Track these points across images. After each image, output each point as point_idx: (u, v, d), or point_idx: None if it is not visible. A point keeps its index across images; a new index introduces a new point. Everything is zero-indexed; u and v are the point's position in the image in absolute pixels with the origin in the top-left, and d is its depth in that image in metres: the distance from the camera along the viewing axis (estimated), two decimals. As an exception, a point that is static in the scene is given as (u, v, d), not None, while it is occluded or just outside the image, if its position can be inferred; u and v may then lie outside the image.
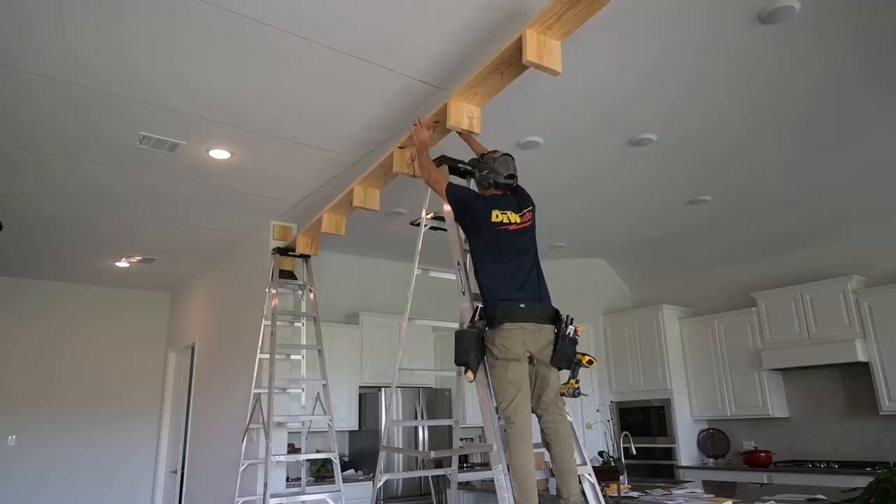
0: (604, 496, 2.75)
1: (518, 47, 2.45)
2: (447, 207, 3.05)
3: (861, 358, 5.03)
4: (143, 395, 7.35)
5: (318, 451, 5.34)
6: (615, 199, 5.05)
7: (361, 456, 5.90)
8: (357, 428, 5.90)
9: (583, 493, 2.61)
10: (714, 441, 6.07)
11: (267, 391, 4.49)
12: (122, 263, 6.40)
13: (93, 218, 5.07)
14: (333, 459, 4.50)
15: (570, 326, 2.62)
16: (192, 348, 6.58)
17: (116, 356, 7.29)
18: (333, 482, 5.07)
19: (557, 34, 2.45)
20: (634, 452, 4.69)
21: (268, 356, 4.60)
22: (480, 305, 2.65)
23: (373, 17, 2.73)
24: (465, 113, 2.87)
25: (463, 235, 3.03)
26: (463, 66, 3.10)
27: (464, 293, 2.81)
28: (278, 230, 5.24)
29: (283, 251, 4.99)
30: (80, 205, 4.78)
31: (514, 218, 2.74)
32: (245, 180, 4.43)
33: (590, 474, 2.63)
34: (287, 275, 5.04)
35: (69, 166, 4.10)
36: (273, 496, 4.21)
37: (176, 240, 5.72)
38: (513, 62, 2.57)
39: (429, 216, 3.28)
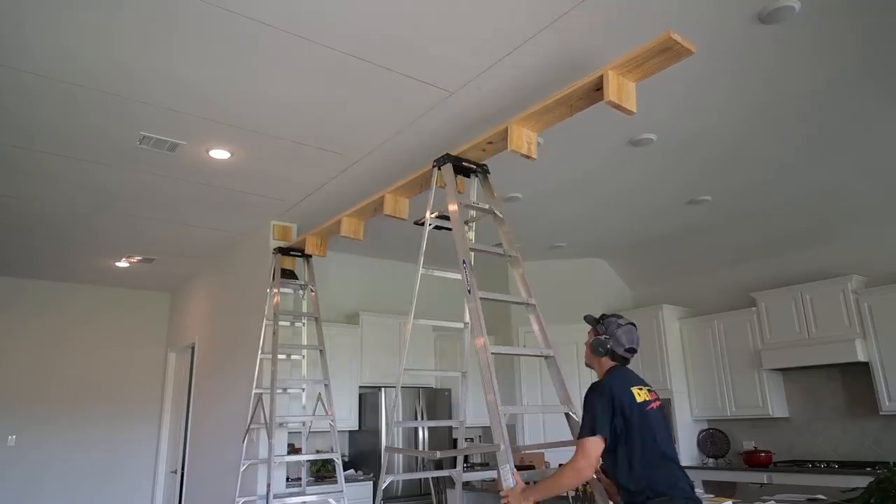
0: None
1: (594, 85, 2.58)
2: (452, 207, 3.04)
3: (861, 358, 5.04)
4: (143, 394, 7.35)
5: (318, 452, 5.34)
6: (615, 200, 5.05)
7: (361, 456, 5.89)
8: (357, 428, 5.90)
9: (590, 493, 2.61)
10: (714, 441, 6.07)
11: (269, 391, 4.48)
12: (122, 263, 6.39)
13: (93, 218, 5.07)
14: (336, 460, 4.50)
15: None
16: (192, 348, 6.57)
17: (116, 356, 7.28)
18: (333, 482, 5.08)
19: (635, 77, 2.57)
20: (635, 452, 4.68)
21: (269, 356, 4.59)
22: None
23: (372, 17, 2.72)
24: (524, 138, 2.94)
25: (469, 234, 3.02)
26: (466, 68, 3.10)
27: (469, 291, 2.80)
28: (278, 230, 5.24)
29: (285, 251, 4.99)
30: (80, 205, 4.77)
31: (645, 395, 2.51)
32: (245, 180, 4.42)
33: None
34: (288, 274, 5.03)
35: (69, 166, 4.09)
36: (276, 497, 4.21)
37: (176, 240, 5.72)
38: (585, 97, 2.69)
39: (433, 215, 3.28)
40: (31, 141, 3.73)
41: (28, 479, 6.49)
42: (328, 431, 4.80)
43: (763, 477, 5.24)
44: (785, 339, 5.55)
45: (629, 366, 2.63)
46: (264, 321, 4.79)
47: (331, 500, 4.51)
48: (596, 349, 2.60)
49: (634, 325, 2.64)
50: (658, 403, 2.52)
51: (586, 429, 2.39)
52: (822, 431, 5.52)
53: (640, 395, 2.46)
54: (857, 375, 5.32)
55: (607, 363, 2.60)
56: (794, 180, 4.70)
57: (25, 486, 6.46)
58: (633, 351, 2.60)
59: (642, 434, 2.38)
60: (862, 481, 3.32)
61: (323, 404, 4.89)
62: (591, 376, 6.56)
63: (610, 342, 2.58)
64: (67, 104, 3.34)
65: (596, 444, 2.35)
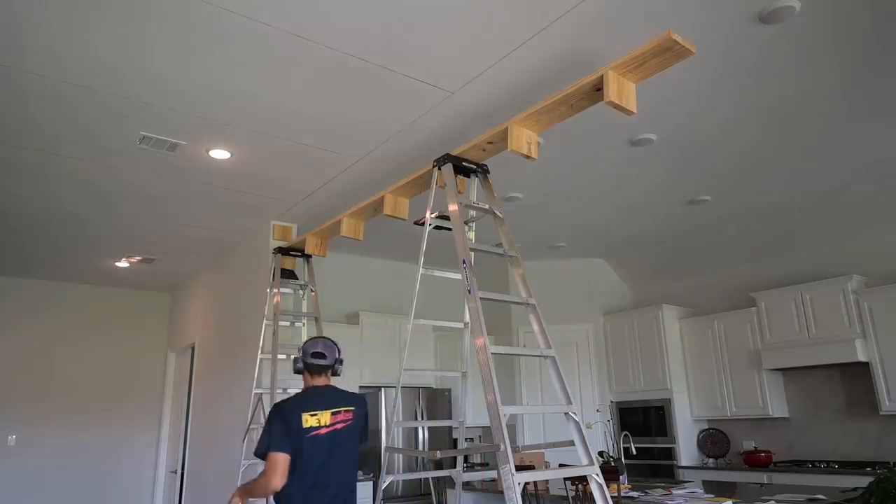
0: (605, 497, 2.74)
1: (595, 85, 2.57)
2: (452, 207, 3.05)
3: (861, 358, 5.04)
4: (143, 395, 7.35)
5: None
6: (615, 200, 5.05)
7: (361, 456, 5.88)
8: (357, 428, 5.89)
9: (590, 493, 2.61)
10: (714, 441, 6.08)
11: (269, 391, 4.48)
12: (122, 263, 6.40)
13: (93, 218, 5.07)
14: None
15: None
16: (192, 348, 6.57)
17: (116, 356, 7.28)
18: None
19: (635, 77, 2.56)
20: (634, 452, 4.70)
21: (269, 356, 4.59)
22: None
23: (372, 17, 2.72)
24: (524, 138, 2.94)
25: (469, 234, 3.02)
26: (466, 68, 3.10)
27: (469, 291, 2.80)
28: (278, 230, 5.24)
29: (285, 251, 4.99)
30: (81, 205, 4.77)
31: (325, 418, 2.64)
32: (245, 180, 4.42)
33: (597, 475, 2.64)
34: (288, 274, 5.03)
35: (70, 166, 4.09)
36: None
37: (176, 240, 5.72)
38: (586, 97, 2.69)
39: (433, 215, 3.28)
40: (31, 141, 3.73)
41: (28, 479, 6.49)
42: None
43: (763, 477, 5.25)
44: (785, 339, 5.55)
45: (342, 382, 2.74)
46: (264, 321, 4.79)
47: None
48: (294, 370, 2.77)
49: (326, 338, 2.81)
50: (336, 427, 2.62)
51: (262, 446, 2.51)
52: (822, 431, 5.52)
53: (309, 420, 2.55)
54: (857, 375, 5.32)
55: (308, 380, 2.75)
56: (795, 180, 4.70)
57: (25, 486, 6.46)
58: (319, 356, 2.71)
59: (299, 464, 2.50)
60: (862, 481, 3.32)
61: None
62: (590, 376, 6.52)
63: (299, 359, 2.74)
64: (69, 104, 3.34)
65: (278, 457, 2.47)
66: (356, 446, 2.72)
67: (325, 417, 2.60)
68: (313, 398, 2.66)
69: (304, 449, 2.52)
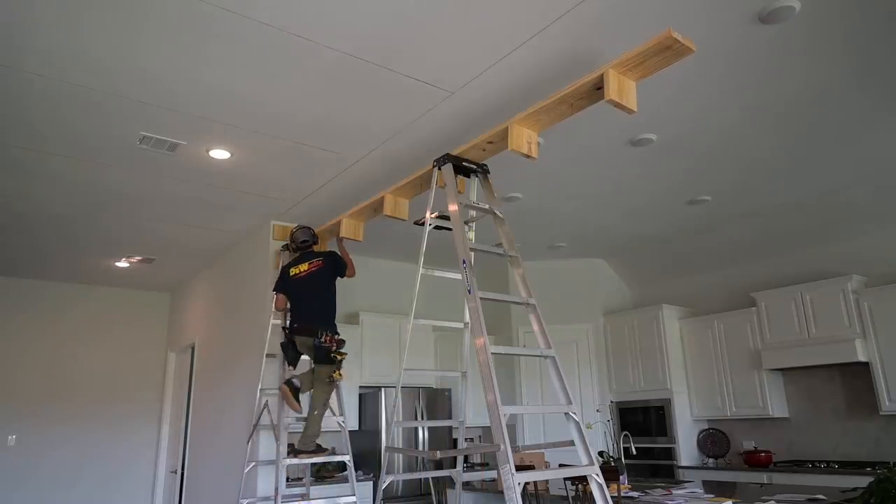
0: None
1: (595, 84, 2.58)
2: (452, 207, 3.05)
3: (861, 358, 5.04)
4: (143, 394, 7.35)
5: (333, 450, 5.30)
6: (615, 200, 5.05)
7: (361, 456, 5.89)
8: (357, 428, 5.89)
9: (590, 493, 2.61)
10: (714, 441, 6.07)
11: (276, 392, 4.46)
12: (122, 263, 6.40)
13: (93, 218, 5.07)
14: (348, 462, 4.43)
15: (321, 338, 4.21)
16: (192, 348, 6.57)
17: (116, 356, 7.28)
18: (333, 482, 5.08)
19: (635, 76, 2.58)
20: (634, 452, 4.70)
21: (275, 356, 4.57)
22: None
23: (372, 18, 2.72)
24: (525, 137, 2.94)
25: (469, 234, 3.02)
26: (466, 68, 3.10)
27: (469, 291, 2.80)
28: (278, 230, 5.24)
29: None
30: (80, 205, 4.77)
31: (303, 268, 4.46)
32: (245, 180, 4.43)
33: (597, 475, 2.64)
34: None
35: (70, 166, 4.09)
36: (284, 499, 4.15)
37: (176, 240, 5.72)
38: (586, 96, 2.70)
39: (433, 215, 3.27)
40: (32, 141, 3.73)
41: (28, 479, 6.49)
42: (330, 431, 4.77)
43: (763, 477, 5.25)
44: (785, 339, 5.55)
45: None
46: (272, 320, 4.75)
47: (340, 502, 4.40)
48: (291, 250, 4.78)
49: (304, 228, 4.66)
50: (311, 271, 4.48)
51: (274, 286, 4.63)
52: (822, 431, 5.52)
53: (293, 271, 4.50)
54: (857, 375, 5.32)
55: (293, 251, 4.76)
56: (795, 180, 4.70)
57: (25, 485, 6.46)
58: (301, 239, 4.62)
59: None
60: (862, 481, 3.32)
61: (329, 405, 4.86)
62: (590, 376, 6.50)
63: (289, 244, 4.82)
64: (69, 104, 3.34)
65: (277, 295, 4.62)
66: (326, 279, 4.45)
67: (304, 267, 4.44)
68: (297, 259, 4.55)
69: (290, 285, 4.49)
